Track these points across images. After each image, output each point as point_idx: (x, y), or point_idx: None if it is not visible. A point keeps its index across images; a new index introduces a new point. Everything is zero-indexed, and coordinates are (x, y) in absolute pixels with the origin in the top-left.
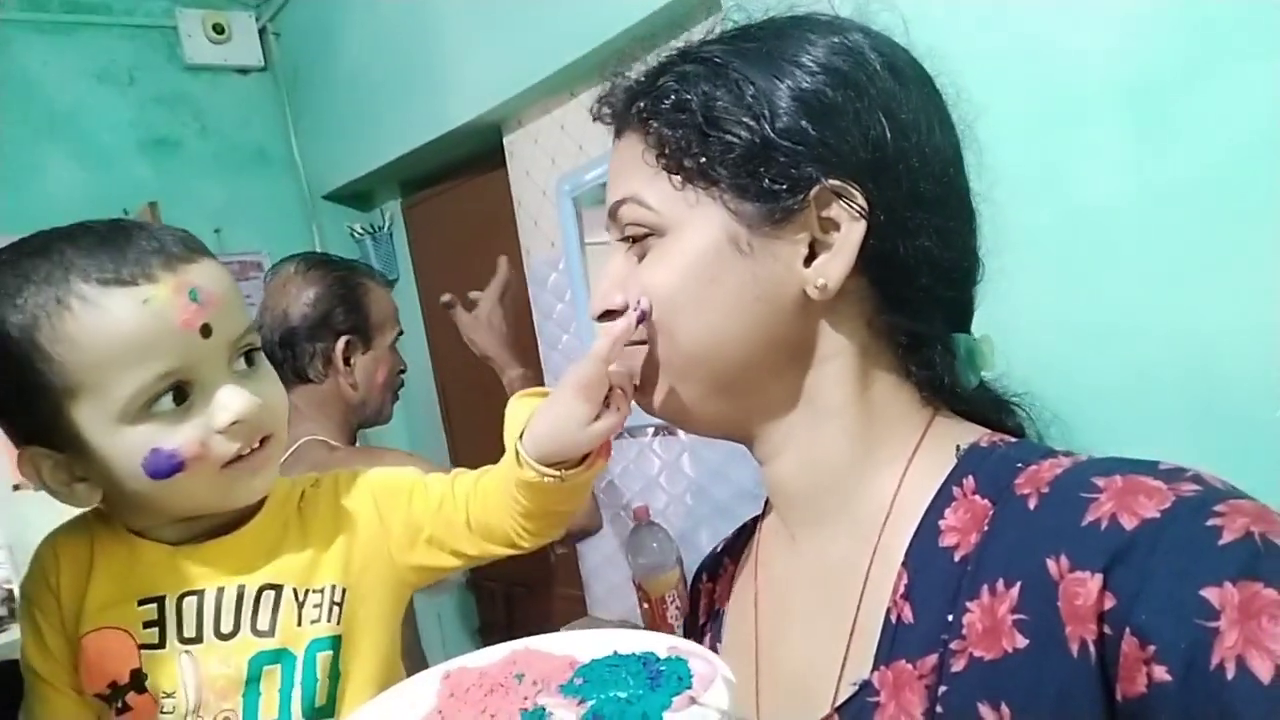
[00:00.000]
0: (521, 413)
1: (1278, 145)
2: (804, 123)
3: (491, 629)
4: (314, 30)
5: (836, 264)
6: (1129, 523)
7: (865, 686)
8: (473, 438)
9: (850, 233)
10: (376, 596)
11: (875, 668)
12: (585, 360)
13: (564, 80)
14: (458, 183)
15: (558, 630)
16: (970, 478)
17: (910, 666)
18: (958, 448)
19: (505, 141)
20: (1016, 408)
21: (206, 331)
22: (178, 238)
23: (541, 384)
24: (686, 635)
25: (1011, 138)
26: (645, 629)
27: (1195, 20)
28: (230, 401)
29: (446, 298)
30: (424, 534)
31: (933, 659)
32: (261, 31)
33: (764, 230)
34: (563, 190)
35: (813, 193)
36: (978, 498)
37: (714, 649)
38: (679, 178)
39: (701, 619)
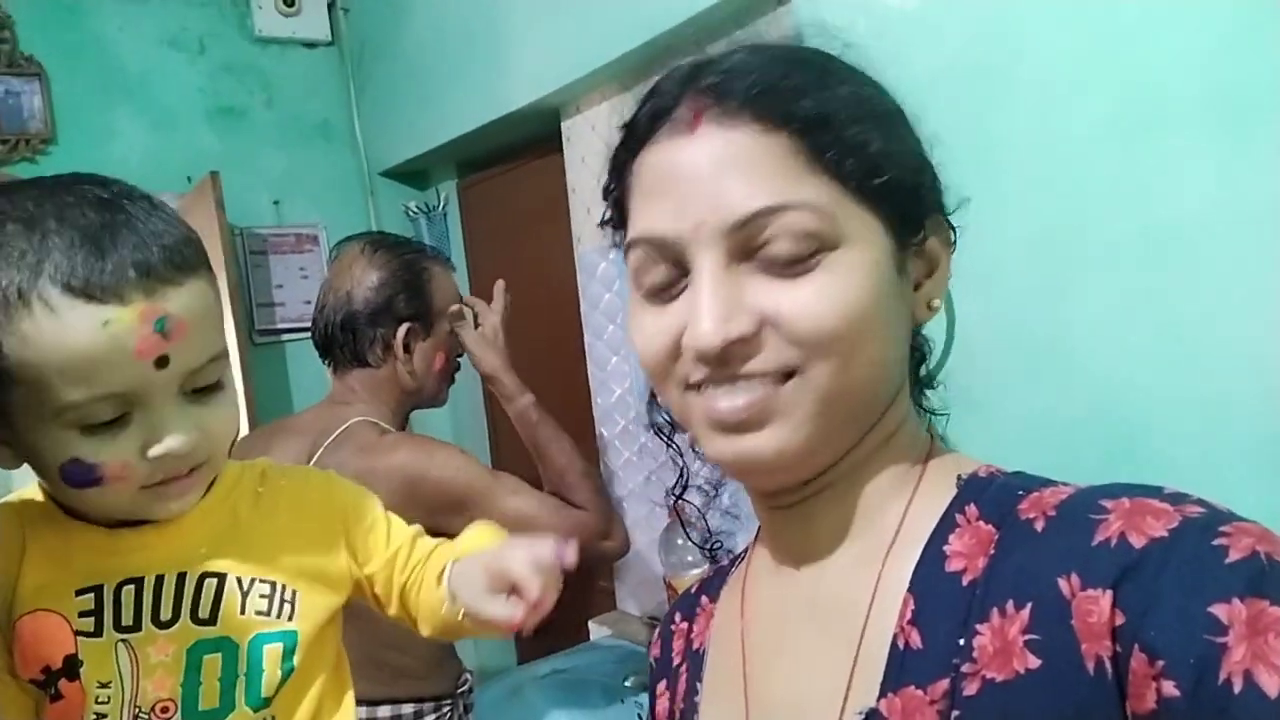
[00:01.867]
0: (479, 539)
1: None
2: (924, 158)
3: None
4: (382, 8)
5: (940, 286)
6: (1137, 541)
7: (872, 715)
8: (513, 427)
9: (947, 256)
10: (327, 600)
11: (882, 695)
12: (525, 555)
13: (625, 68)
14: (513, 166)
15: (587, 621)
16: (972, 505)
17: (920, 692)
18: (958, 477)
19: (563, 127)
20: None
21: (162, 363)
22: (169, 250)
23: (582, 393)
24: (658, 676)
25: (1094, 145)
26: None
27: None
28: (167, 435)
29: (455, 308)
30: (367, 568)
31: (944, 684)
32: (330, 6)
33: (906, 254)
34: None
35: (930, 221)
36: (982, 523)
37: (694, 688)
38: (854, 187)
39: (676, 659)
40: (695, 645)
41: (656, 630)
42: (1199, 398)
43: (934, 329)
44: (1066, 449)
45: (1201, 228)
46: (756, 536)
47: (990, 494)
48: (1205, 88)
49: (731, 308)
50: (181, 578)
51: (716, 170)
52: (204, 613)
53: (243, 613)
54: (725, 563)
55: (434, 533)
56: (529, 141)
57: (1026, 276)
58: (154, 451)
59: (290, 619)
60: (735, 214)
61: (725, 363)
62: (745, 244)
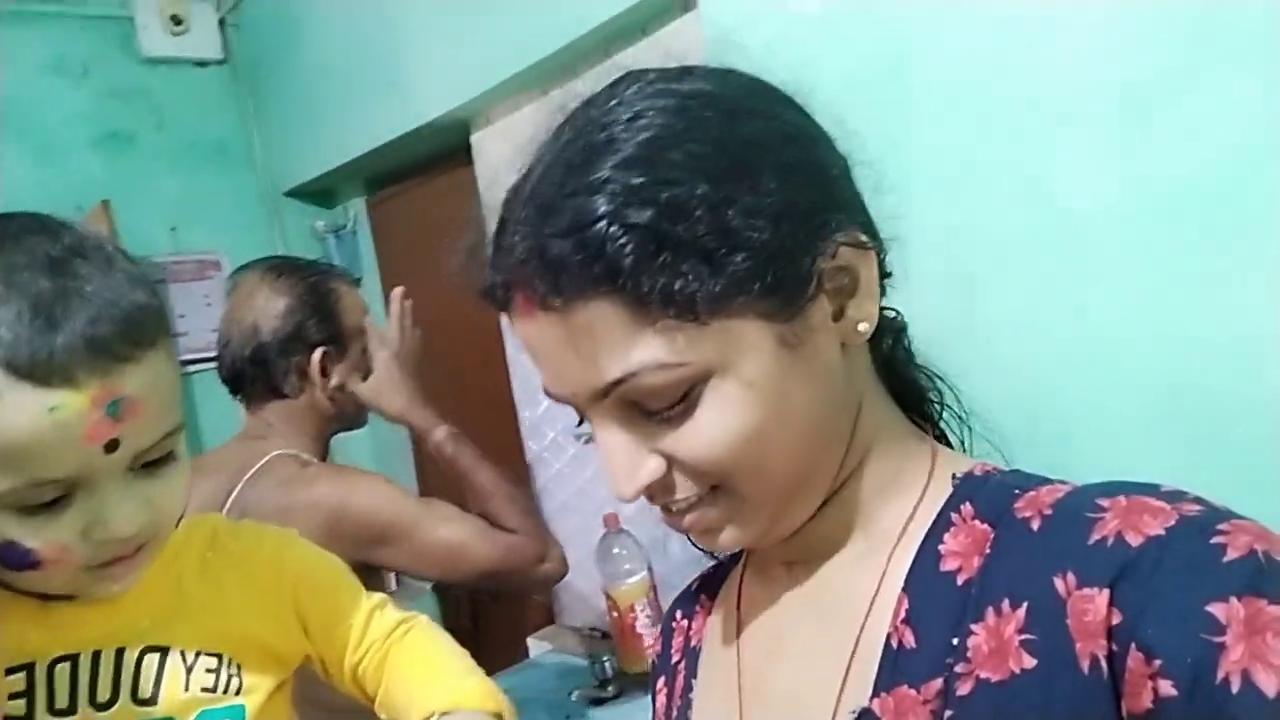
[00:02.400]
0: (468, 698)
1: (1265, 154)
2: (794, 192)
3: (457, 636)
4: (276, 23)
5: (869, 302)
6: (1134, 539)
7: (865, 714)
8: None
9: (869, 270)
10: (276, 673)
11: (875, 694)
12: None
13: (535, 77)
14: (424, 180)
15: (525, 638)
16: (968, 504)
17: (914, 692)
18: (954, 476)
19: (473, 139)
20: (931, 379)
21: (112, 447)
22: (127, 322)
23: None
24: (658, 673)
25: (1004, 143)
26: (614, 639)
27: (1185, 26)
28: (113, 520)
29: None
30: (317, 644)
31: (937, 683)
32: (221, 23)
33: (796, 311)
34: None
35: (829, 251)
36: (977, 522)
37: (689, 686)
38: (696, 320)
39: (675, 656)
40: (693, 642)
41: (658, 628)
42: (1109, 382)
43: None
44: (981, 435)
45: (1107, 219)
46: None
47: (986, 492)
48: (1108, 84)
49: (635, 459)
50: (120, 654)
51: (560, 351)
52: (145, 692)
53: (187, 690)
54: (725, 559)
55: (361, 567)
56: (439, 155)
57: (941, 271)
58: (98, 536)
59: (238, 693)
60: (591, 388)
61: (653, 497)
62: (622, 401)
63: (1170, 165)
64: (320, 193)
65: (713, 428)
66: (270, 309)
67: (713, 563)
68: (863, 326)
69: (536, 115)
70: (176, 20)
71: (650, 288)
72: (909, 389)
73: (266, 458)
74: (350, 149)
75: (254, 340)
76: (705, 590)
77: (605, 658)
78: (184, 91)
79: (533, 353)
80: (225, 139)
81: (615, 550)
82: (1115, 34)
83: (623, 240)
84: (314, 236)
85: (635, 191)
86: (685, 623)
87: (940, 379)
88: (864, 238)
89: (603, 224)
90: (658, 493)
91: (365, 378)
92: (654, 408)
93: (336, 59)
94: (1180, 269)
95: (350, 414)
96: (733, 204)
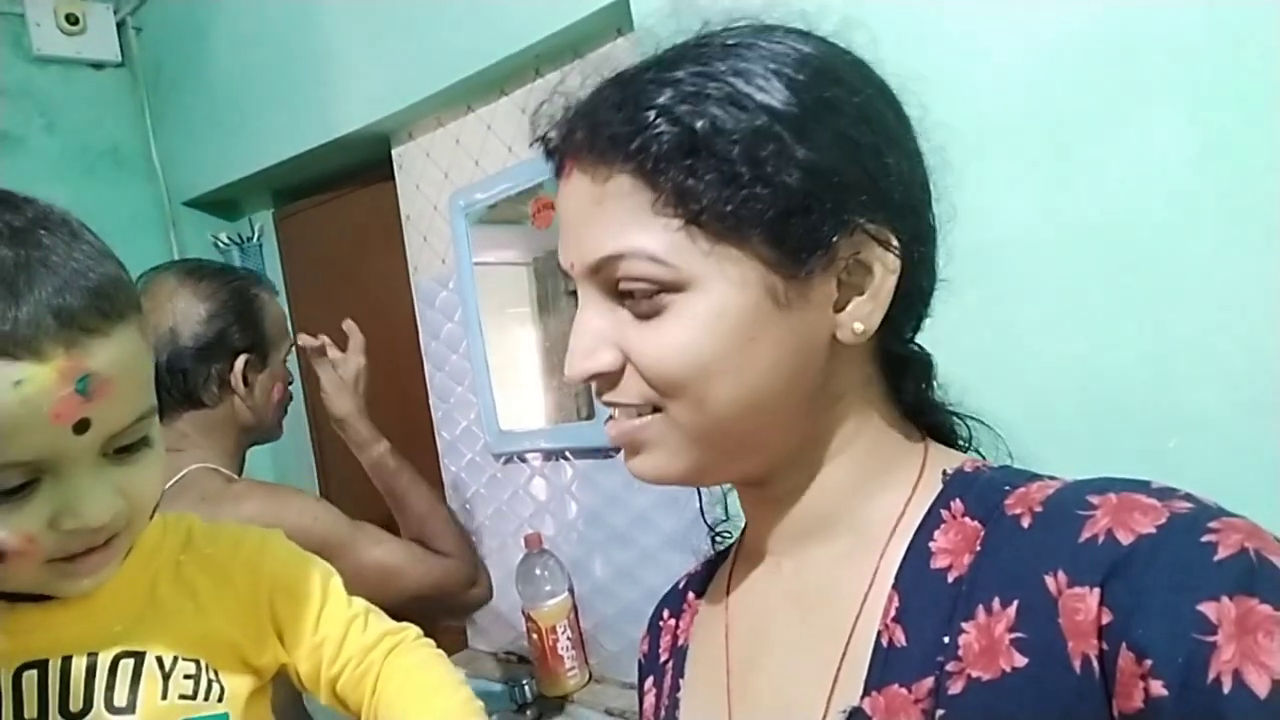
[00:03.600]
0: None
1: (1177, 190)
2: (840, 161)
3: None
4: (181, 27)
5: (873, 306)
6: (1125, 538)
7: (856, 713)
8: (344, 466)
9: (887, 276)
10: (252, 682)
11: (866, 693)
12: None
13: (461, 94)
14: (338, 194)
15: None
16: (958, 500)
17: (905, 691)
18: (944, 472)
19: (394, 153)
20: (961, 419)
21: (82, 427)
22: (95, 293)
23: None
24: (645, 673)
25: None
26: (533, 660)
27: (1110, 63)
28: (84, 507)
29: (312, 341)
30: (292, 653)
31: (929, 682)
32: (120, 25)
33: (800, 279)
34: (457, 206)
35: (850, 235)
36: (968, 519)
37: (676, 685)
38: (701, 231)
39: (663, 656)
40: (680, 641)
41: (645, 626)
42: (1029, 399)
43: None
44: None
45: (1026, 245)
46: (743, 531)
47: (976, 489)
48: (1028, 116)
49: (597, 343)
50: (93, 660)
51: (579, 214)
52: (120, 700)
53: (165, 698)
54: (713, 557)
55: None
56: (355, 168)
57: None
58: (67, 525)
59: (220, 699)
60: (587, 259)
61: (600, 391)
62: (608, 282)
63: (1083, 194)
64: (223, 204)
65: (669, 339)
66: (191, 313)
67: (694, 566)
68: (858, 327)
69: (461, 132)
70: (72, 19)
71: (669, 181)
72: (937, 431)
73: (184, 472)
74: (259, 159)
75: (171, 346)
76: (692, 588)
77: (525, 681)
78: (78, 94)
79: (560, 216)
80: (120, 145)
81: (537, 571)
82: (1033, 68)
83: (663, 130)
84: (215, 249)
85: (697, 98)
86: (673, 621)
87: (973, 420)
88: (893, 240)
89: (653, 112)
90: (604, 386)
91: (285, 389)
92: (631, 296)
93: (247, 66)
94: (1096, 294)
95: (268, 425)
96: (778, 143)
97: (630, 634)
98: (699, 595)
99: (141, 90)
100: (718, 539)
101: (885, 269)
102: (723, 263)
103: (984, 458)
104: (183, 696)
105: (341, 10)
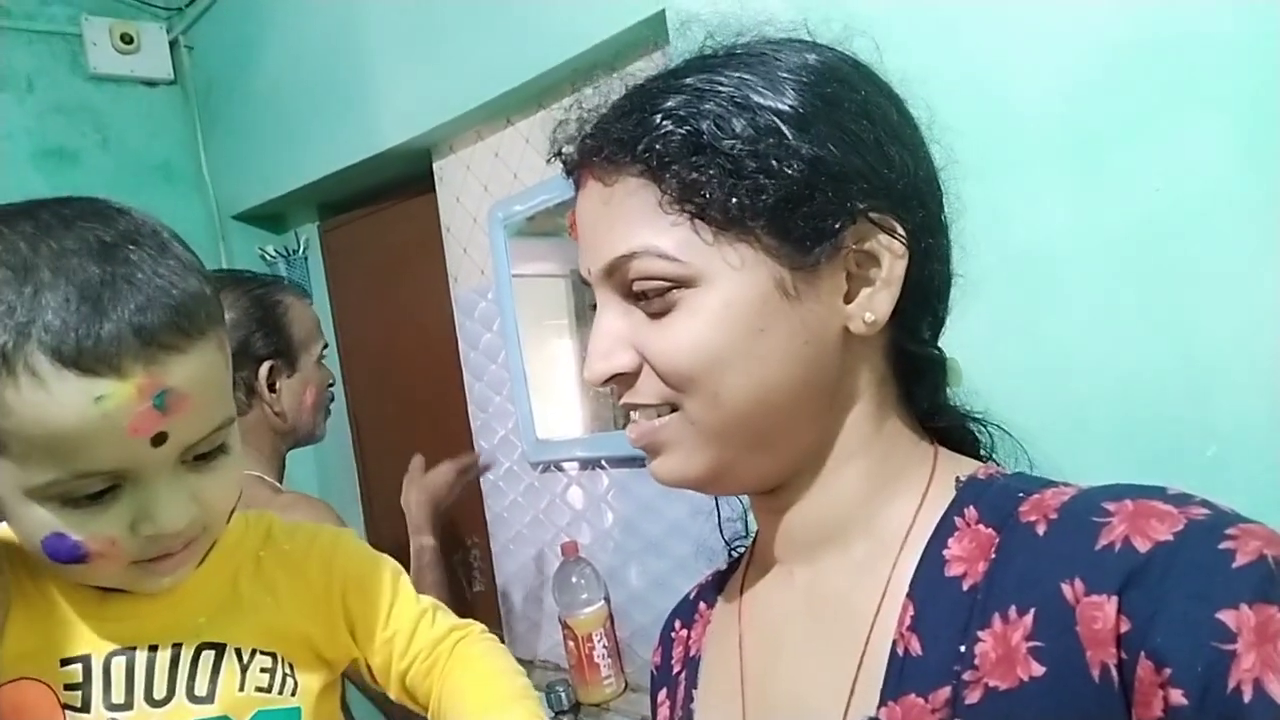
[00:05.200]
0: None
1: (1212, 197)
2: (841, 153)
3: None
4: (231, 45)
5: (883, 297)
6: (1142, 545)
7: None
8: (386, 475)
9: (895, 263)
10: (324, 675)
11: (882, 703)
12: None
13: (500, 108)
14: (381, 207)
15: None
16: (971, 508)
17: (921, 700)
18: (957, 479)
19: (435, 167)
20: (982, 424)
21: (159, 440)
22: (176, 310)
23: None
24: (659, 685)
25: (960, 182)
26: (570, 668)
27: (1145, 69)
28: (161, 514)
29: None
30: (363, 648)
31: (945, 691)
32: (173, 44)
33: (807, 269)
34: (496, 218)
35: (855, 225)
36: (981, 527)
37: (689, 696)
38: (707, 226)
39: (676, 667)
40: (692, 652)
41: (657, 638)
42: (1063, 409)
43: None
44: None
45: (1058, 254)
46: (754, 540)
47: (990, 496)
48: (1060, 128)
49: (614, 345)
50: (177, 649)
51: (593, 220)
52: (201, 689)
53: (242, 689)
54: (724, 568)
55: None
56: (397, 182)
57: None
58: (145, 530)
59: (294, 694)
60: (601, 262)
61: (619, 393)
62: (623, 284)
63: (1113, 205)
64: (270, 217)
65: (681, 334)
66: None
67: (712, 571)
68: (868, 317)
69: (500, 145)
70: (127, 39)
71: (675, 178)
72: (953, 437)
73: None
74: (305, 173)
75: None
76: (704, 599)
77: (561, 688)
78: (131, 111)
79: (579, 224)
80: (172, 160)
81: (573, 579)
82: (1073, 80)
83: (669, 130)
84: (262, 261)
85: (702, 101)
86: (685, 632)
87: (994, 427)
88: (899, 228)
89: (659, 115)
90: (622, 387)
91: (321, 391)
92: (643, 295)
93: (293, 83)
94: (1130, 302)
95: (305, 429)
96: (779, 138)
97: None
98: (710, 606)
99: (193, 107)
100: (734, 553)
101: (893, 256)
102: (730, 256)
103: (998, 464)
104: (259, 689)
105: (384, 29)
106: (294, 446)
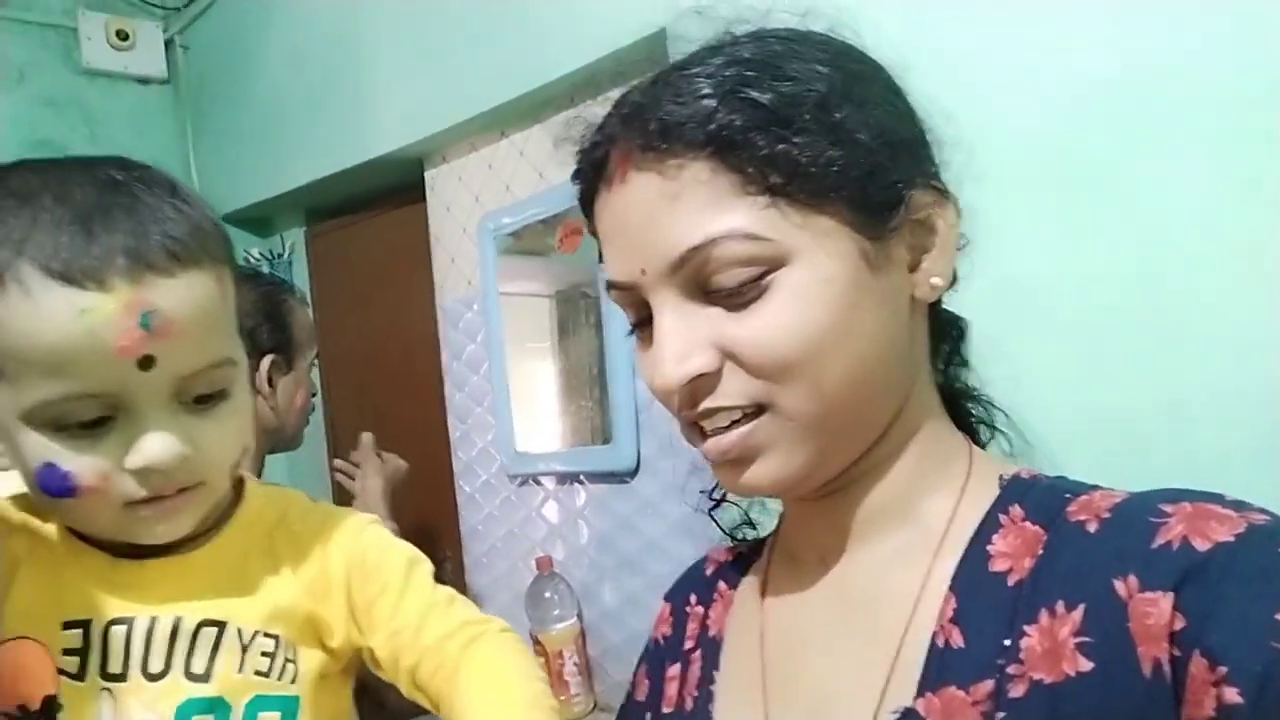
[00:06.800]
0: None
1: (1197, 233)
2: (892, 123)
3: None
4: (227, 46)
5: (944, 260)
6: (1201, 545)
7: (909, 714)
8: None
9: (947, 224)
10: (323, 664)
11: (920, 694)
12: None
13: (496, 120)
14: (369, 215)
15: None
16: (1016, 506)
17: (962, 693)
18: (1000, 477)
19: (426, 176)
20: (988, 410)
21: (147, 364)
22: (169, 237)
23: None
24: (661, 657)
25: None
26: None
27: (1131, 106)
28: (149, 447)
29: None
30: (368, 638)
31: (989, 684)
32: (169, 43)
33: (884, 238)
34: (486, 229)
35: (916, 192)
36: (1028, 524)
37: (709, 677)
38: (790, 202)
39: (689, 644)
40: (711, 632)
41: (663, 608)
42: (1043, 444)
43: None
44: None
45: (1040, 285)
46: (779, 525)
47: (1035, 495)
48: (1047, 155)
49: (690, 346)
50: (177, 623)
51: (649, 214)
52: (198, 667)
53: (240, 670)
54: (743, 549)
55: None
56: (388, 189)
57: None
58: (133, 462)
59: (293, 681)
60: (668, 257)
61: (694, 400)
62: (693, 280)
63: (1101, 233)
64: (256, 220)
65: (781, 317)
66: None
67: (728, 548)
68: (936, 281)
69: (494, 157)
70: (122, 35)
71: (751, 157)
72: (958, 402)
73: None
74: (293, 178)
75: None
76: (724, 579)
77: None
78: (122, 107)
79: (615, 227)
80: (160, 158)
81: (546, 594)
82: (1053, 111)
83: (733, 109)
84: (246, 263)
85: (744, 81)
86: (701, 609)
87: (993, 405)
88: (947, 198)
89: (711, 99)
90: (702, 391)
91: (308, 397)
92: (725, 286)
93: (289, 87)
94: (1112, 335)
95: (290, 432)
96: (841, 109)
97: None
98: (731, 587)
99: (184, 107)
100: (735, 537)
101: (947, 223)
102: (815, 232)
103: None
104: (258, 672)
105: (381, 35)
106: (274, 450)
